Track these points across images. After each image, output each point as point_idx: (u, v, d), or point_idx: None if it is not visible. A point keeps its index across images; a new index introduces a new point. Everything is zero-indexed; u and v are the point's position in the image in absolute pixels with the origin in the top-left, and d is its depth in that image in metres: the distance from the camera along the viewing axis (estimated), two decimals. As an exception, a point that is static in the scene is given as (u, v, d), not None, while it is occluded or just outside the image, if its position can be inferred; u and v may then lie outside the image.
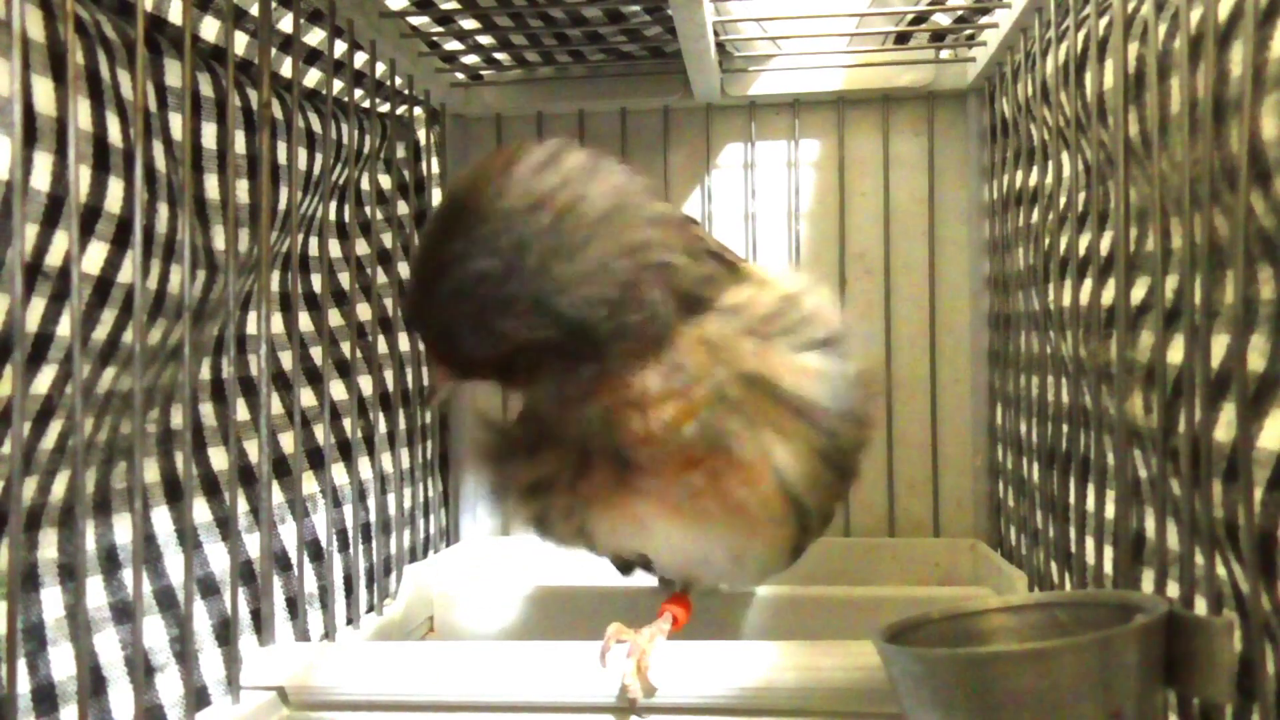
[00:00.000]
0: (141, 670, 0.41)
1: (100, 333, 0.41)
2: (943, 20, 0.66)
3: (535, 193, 0.35)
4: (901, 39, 0.70)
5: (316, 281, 0.60)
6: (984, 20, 0.61)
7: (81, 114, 0.38)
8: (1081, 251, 0.47)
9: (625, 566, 0.51)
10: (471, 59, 0.69)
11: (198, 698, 0.45)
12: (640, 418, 0.38)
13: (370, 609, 0.61)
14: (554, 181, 0.35)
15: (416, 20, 0.61)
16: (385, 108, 0.66)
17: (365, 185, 0.61)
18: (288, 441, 0.56)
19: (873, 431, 0.44)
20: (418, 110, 0.70)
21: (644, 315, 0.36)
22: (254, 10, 0.50)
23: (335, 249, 0.62)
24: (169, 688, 0.45)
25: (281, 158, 0.52)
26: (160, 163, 0.43)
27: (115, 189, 0.40)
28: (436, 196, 0.74)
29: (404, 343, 0.68)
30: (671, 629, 0.44)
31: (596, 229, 0.35)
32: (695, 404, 0.38)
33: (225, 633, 0.48)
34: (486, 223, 0.35)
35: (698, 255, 0.39)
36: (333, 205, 0.61)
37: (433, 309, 0.36)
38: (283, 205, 0.52)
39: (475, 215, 0.35)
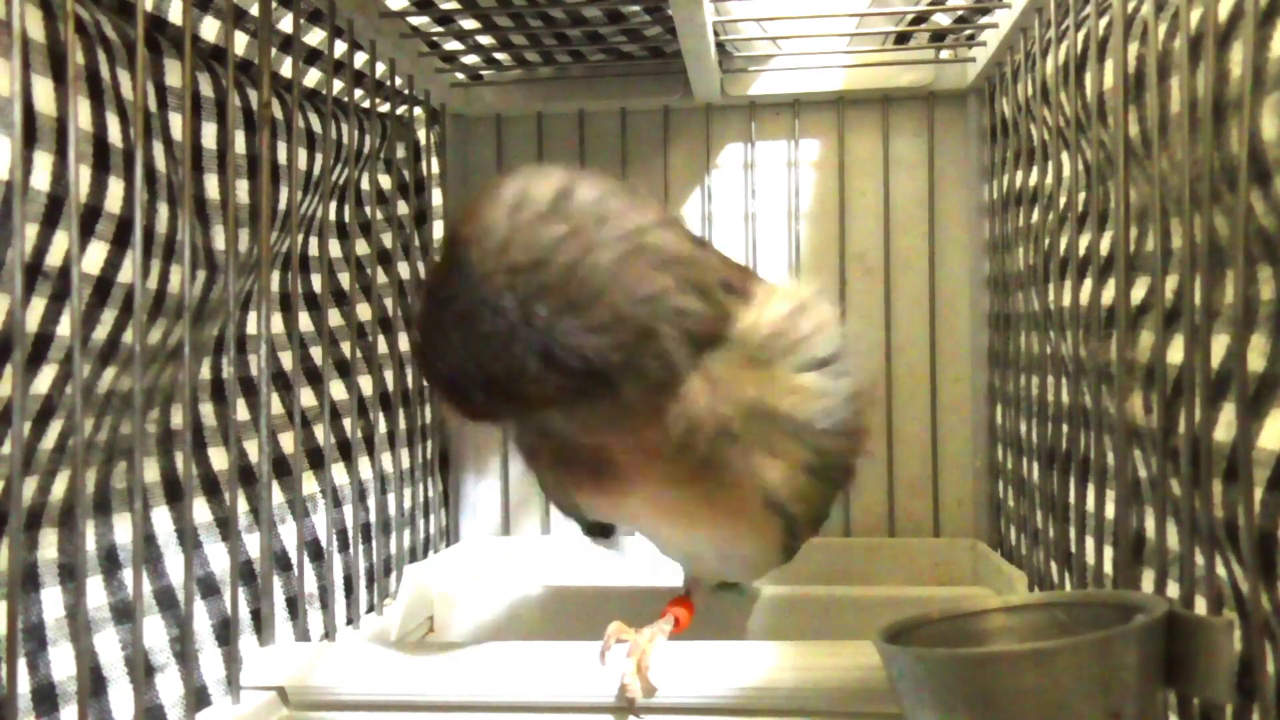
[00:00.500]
0: (141, 670, 0.41)
1: (100, 333, 0.41)
2: (943, 20, 0.66)
3: (542, 243, 0.34)
4: (901, 39, 0.70)
5: (316, 281, 0.60)
6: (984, 20, 0.61)
7: (81, 114, 0.38)
8: (1081, 251, 0.47)
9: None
10: (471, 59, 0.69)
11: (198, 698, 0.45)
12: (642, 455, 0.39)
13: (370, 609, 0.61)
14: (561, 230, 0.34)
15: (416, 20, 0.61)
16: (385, 108, 0.66)
17: (365, 185, 0.61)
18: (288, 441, 0.56)
19: (867, 442, 0.44)
20: (418, 110, 0.70)
21: (659, 362, 0.36)
22: (254, 10, 0.50)
23: (335, 249, 0.62)
24: (169, 688, 0.45)
25: (281, 158, 0.52)
26: (160, 163, 0.43)
27: (115, 189, 0.40)
28: (436, 197, 0.74)
29: (404, 343, 0.68)
30: (673, 630, 0.44)
31: (610, 279, 0.34)
32: (694, 443, 0.38)
33: (225, 633, 0.48)
34: (490, 279, 0.33)
35: (711, 291, 0.38)
36: (333, 205, 0.61)
37: (441, 369, 0.35)
38: (283, 205, 0.52)
39: (478, 270, 0.34)
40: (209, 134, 0.48)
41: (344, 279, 0.62)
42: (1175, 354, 0.37)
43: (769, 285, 0.42)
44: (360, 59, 0.57)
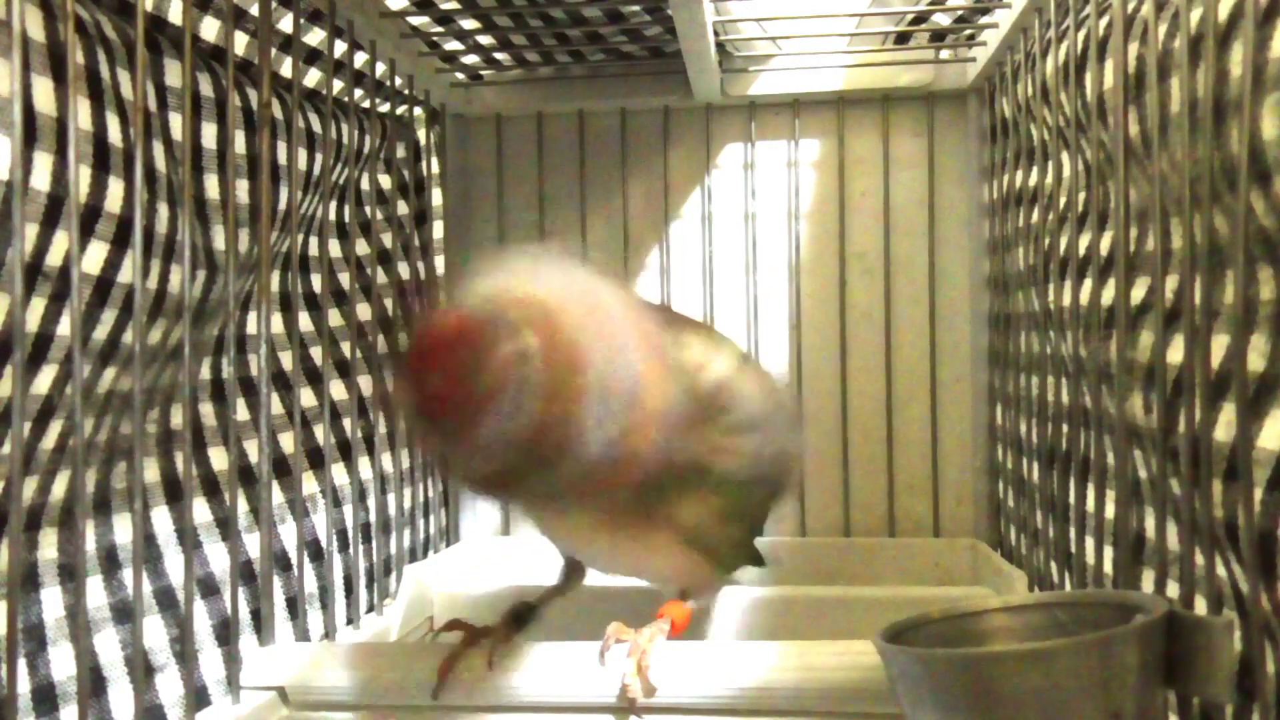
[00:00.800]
0: (141, 670, 0.41)
1: (100, 333, 0.41)
2: (943, 20, 0.66)
3: (528, 346, 0.34)
4: (901, 39, 0.70)
5: (316, 281, 0.60)
6: (984, 20, 0.61)
7: (81, 114, 0.38)
8: (1081, 251, 0.47)
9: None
10: (471, 59, 0.69)
11: (198, 698, 0.45)
12: (602, 511, 0.41)
13: (370, 609, 0.61)
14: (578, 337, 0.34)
15: (416, 20, 0.61)
16: (385, 108, 0.66)
17: (365, 185, 0.61)
18: (288, 441, 0.56)
19: (789, 482, 0.48)
20: (418, 110, 0.70)
21: (648, 445, 0.37)
22: (254, 10, 0.50)
23: (335, 249, 0.62)
24: (169, 688, 0.45)
25: (281, 158, 0.52)
26: (160, 163, 0.43)
27: (115, 189, 0.40)
28: (436, 197, 0.74)
29: (404, 343, 0.68)
30: (671, 631, 0.44)
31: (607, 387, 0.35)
32: (643, 498, 0.40)
33: (225, 633, 0.48)
34: (492, 372, 0.33)
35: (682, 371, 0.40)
36: (333, 205, 0.61)
37: (441, 454, 0.35)
38: (283, 205, 0.52)
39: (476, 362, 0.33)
40: (209, 134, 0.48)
41: (344, 279, 0.62)
42: (1175, 354, 0.37)
43: (703, 340, 0.43)
44: (360, 59, 0.57)
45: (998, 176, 0.65)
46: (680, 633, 0.45)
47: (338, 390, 0.61)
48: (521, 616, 0.48)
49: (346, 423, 0.60)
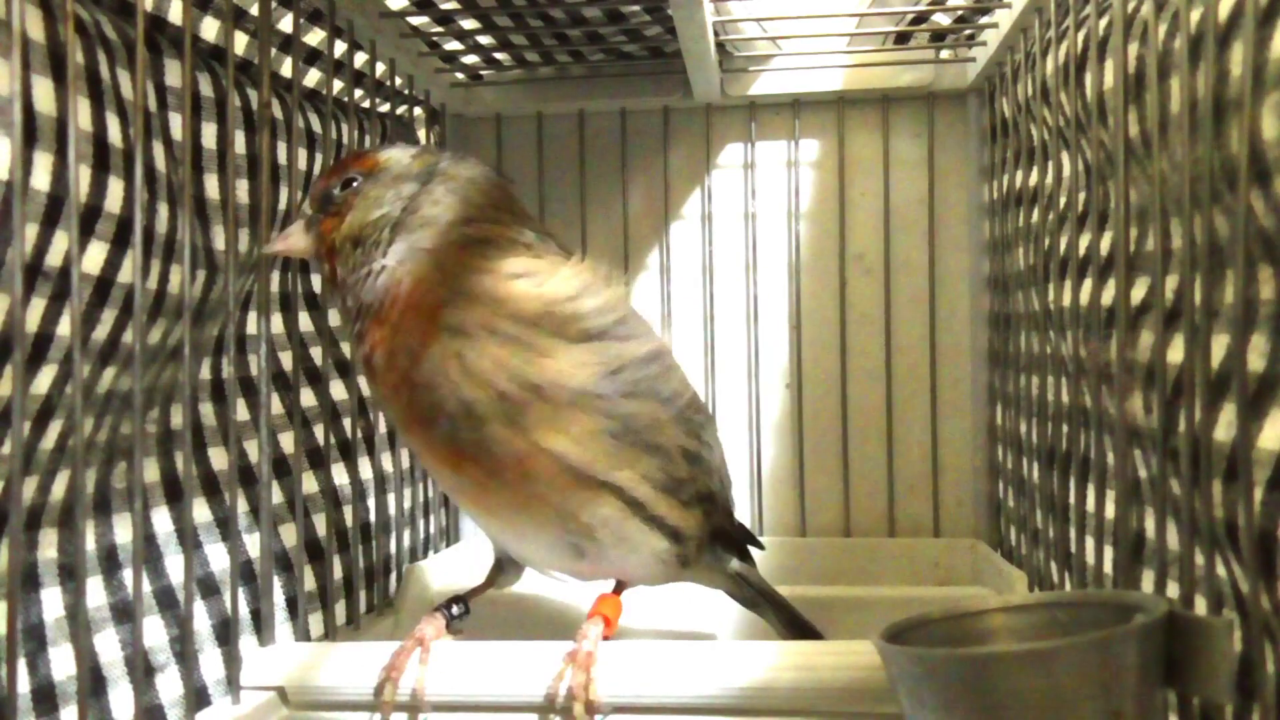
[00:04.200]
0: (141, 670, 0.41)
1: (100, 333, 0.41)
2: (943, 20, 0.66)
3: None
4: (901, 39, 0.70)
5: (316, 281, 0.60)
6: (984, 20, 0.61)
7: (81, 114, 0.38)
8: (1081, 251, 0.47)
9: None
10: (471, 59, 0.69)
11: (198, 698, 0.45)
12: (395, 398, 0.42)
13: (370, 609, 0.61)
14: None
15: (416, 20, 0.61)
16: (385, 108, 0.66)
17: (365, 185, 0.61)
18: (288, 441, 0.56)
19: (680, 402, 0.45)
20: (418, 110, 0.70)
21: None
22: (254, 10, 0.50)
23: (335, 249, 0.62)
24: (169, 688, 0.45)
25: (281, 158, 0.52)
26: (160, 163, 0.43)
27: (115, 189, 0.40)
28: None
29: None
30: (605, 631, 0.42)
31: None
32: (459, 424, 0.40)
33: (225, 633, 0.48)
34: None
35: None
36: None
37: None
38: (283, 205, 0.52)
39: None
40: (209, 134, 0.48)
41: (344, 279, 0.62)
42: (1175, 354, 0.37)
43: (546, 257, 0.43)
44: (360, 59, 0.57)
45: (998, 176, 0.65)
46: (613, 629, 0.43)
47: (338, 390, 0.61)
48: (453, 613, 0.48)
49: (346, 423, 0.60)
